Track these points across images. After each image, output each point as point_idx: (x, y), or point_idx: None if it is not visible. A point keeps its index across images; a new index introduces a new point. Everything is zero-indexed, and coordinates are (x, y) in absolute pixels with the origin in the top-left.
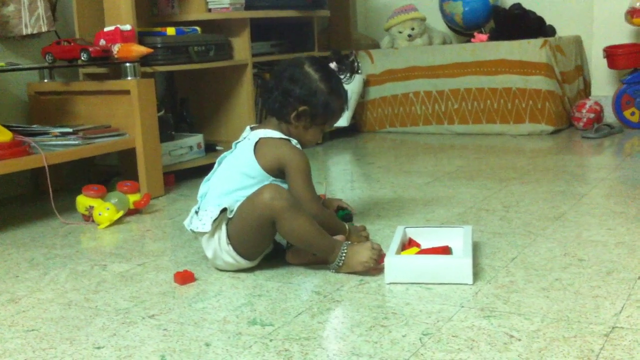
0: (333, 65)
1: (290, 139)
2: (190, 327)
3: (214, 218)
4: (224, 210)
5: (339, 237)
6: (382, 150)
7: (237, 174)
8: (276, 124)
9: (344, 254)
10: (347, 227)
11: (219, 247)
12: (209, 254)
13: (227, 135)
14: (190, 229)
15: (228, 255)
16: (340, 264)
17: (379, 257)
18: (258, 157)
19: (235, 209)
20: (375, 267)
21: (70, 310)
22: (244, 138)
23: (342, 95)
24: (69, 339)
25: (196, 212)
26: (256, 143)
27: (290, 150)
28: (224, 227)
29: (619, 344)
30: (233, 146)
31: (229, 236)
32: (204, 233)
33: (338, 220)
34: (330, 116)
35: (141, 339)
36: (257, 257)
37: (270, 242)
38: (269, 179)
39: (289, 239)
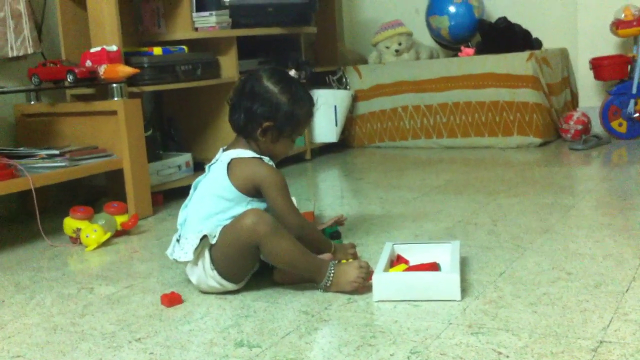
0: (292, 72)
1: (262, 157)
2: (176, 350)
3: (195, 246)
4: (205, 237)
5: (326, 256)
6: (371, 165)
7: (214, 197)
8: (245, 142)
9: (332, 274)
10: (332, 244)
11: (204, 274)
12: (194, 280)
13: (215, 153)
14: (174, 259)
15: (213, 281)
16: (328, 283)
17: (367, 275)
18: (232, 178)
19: (217, 234)
20: (364, 285)
21: (56, 335)
22: (217, 160)
23: (307, 102)
24: None
25: (177, 241)
26: (229, 164)
27: (263, 169)
28: (206, 253)
29: (607, 358)
30: (206, 169)
31: (213, 261)
32: (187, 262)
33: (323, 235)
34: (297, 125)
35: None
36: (244, 279)
37: (256, 264)
38: (246, 200)
39: (274, 262)
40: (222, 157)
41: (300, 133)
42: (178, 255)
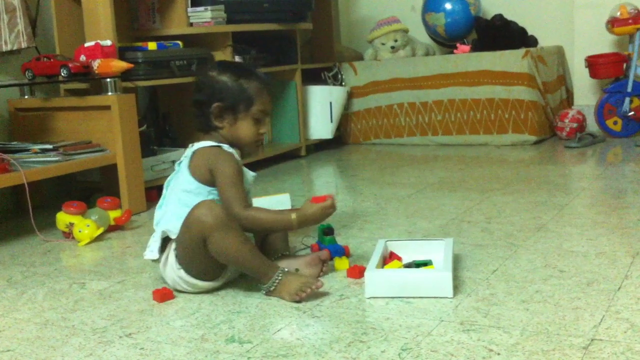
0: (237, 58)
1: (222, 144)
2: (167, 345)
3: (159, 243)
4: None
5: (322, 254)
6: (366, 162)
7: (179, 192)
8: (210, 136)
9: (277, 281)
10: (292, 216)
11: (173, 273)
12: (169, 282)
13: None
14: (146, 258)
15: (181, 280)
16: (272, 288)
17: (310, 290)
18: (192, 170)
19: (178, 228)
20: (304, 298)
21: (46, 330)
22: (184, 156)
23: (253, 76)
24: (44, 359)
25: None
26: (191, 156)
27: (218, 155)
28: (172, 251)
29: (598, 356)
30: (176, 167)
31: (177, 259)
32: (156, 260)
33: (276, 215)
34: (249, 99)
35: (117, 359)
36: (218, 277)
37: None
38: (206, 189)
39: (221, 259)
40: (187, 152)
41: (262, 111)
42: (146, 254)
